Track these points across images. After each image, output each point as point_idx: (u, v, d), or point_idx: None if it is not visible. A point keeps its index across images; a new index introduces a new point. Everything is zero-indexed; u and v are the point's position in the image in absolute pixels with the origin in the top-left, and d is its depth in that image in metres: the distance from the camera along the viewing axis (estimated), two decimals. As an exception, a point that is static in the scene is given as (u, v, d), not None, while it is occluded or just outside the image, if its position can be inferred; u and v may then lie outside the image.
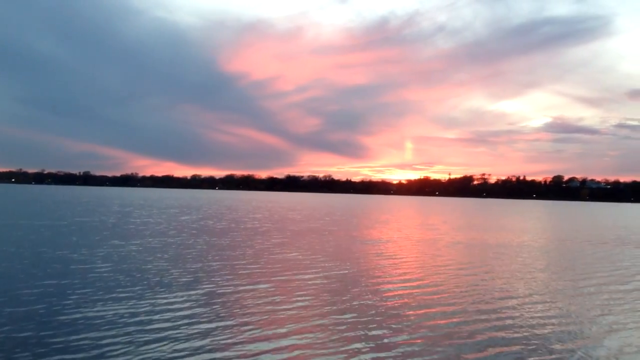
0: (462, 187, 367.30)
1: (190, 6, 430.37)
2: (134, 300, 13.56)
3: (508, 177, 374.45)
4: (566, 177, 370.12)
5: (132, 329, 11.02)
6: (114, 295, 14.20)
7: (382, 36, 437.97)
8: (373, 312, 13.23)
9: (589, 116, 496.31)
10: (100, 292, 14.47)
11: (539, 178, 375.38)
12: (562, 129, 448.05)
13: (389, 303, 14.29)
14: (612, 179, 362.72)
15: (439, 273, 20.11)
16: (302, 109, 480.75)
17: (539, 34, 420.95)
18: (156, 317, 12.01)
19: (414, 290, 16.37)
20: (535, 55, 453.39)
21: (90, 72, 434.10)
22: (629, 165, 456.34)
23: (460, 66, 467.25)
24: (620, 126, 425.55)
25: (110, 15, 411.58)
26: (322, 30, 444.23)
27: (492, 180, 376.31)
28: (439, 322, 12.55)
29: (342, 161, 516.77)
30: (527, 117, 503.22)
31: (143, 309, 12.66)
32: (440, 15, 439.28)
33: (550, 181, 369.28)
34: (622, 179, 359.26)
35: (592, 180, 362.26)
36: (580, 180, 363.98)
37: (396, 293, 15.96)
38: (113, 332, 10.74)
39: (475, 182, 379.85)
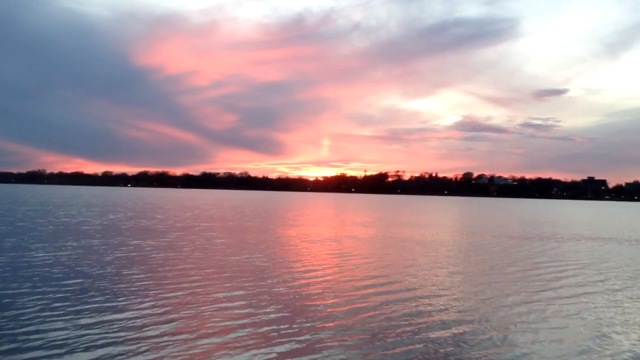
0: (377, 184, 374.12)
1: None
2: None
3: (421, 174, 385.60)
4: (475, 174, 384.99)
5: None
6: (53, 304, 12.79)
7: (298, 33, 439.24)
8: (279, 306, 12.71)
9: (496, 115, 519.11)
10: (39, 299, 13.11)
11: (450, 175, 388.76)
12: (472, 128, 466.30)
13: (298, 301, 13.68)
14: (518, 175, 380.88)
15: (352, 268, 19.78)
16: (218, 105, 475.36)
17: (450, 35, 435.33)
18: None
19: (322, 286, 15.97)
20: (447, 56, 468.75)
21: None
22: (533, 163, 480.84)
23: (375, 65, 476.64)
24: (526, 125, 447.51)
25: (14, 5, 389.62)
26: (238, 25, 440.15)
27: (406, 177, 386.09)
28: (350, 318, 12.36)
29: (259, 158, 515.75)
30: (438, 115, 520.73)
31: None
32: (356, 14, 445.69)
33: (461, 178, 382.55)
34: (527, 176, 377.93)
35: (499, 177, 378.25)
36: (489, 177, 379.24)
37: (308, 290, 15.77)
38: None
39: (390, 179, 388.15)
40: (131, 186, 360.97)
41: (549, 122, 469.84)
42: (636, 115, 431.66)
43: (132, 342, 10.14)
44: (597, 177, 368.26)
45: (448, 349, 10.35)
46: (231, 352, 9.76)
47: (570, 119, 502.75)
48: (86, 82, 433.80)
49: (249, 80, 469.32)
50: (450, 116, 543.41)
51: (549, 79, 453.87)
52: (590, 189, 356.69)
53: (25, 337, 10.28)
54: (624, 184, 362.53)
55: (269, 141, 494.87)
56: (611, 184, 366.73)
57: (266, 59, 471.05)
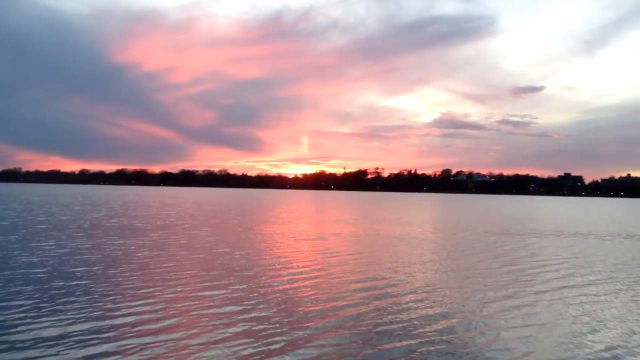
0: (357, 181, 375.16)
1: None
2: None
3: (400, 171, 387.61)
4: (454, 171, 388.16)
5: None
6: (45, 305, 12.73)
7: (276, 30, 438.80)
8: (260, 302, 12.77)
9: (475, 112, 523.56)
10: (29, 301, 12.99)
11: (429, 172, 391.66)
12: (450, 125, 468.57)
13: (287, 298, 13.79)
14: (496, 172, 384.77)
15: (339, 265, 19.85)
16: (196, 102, 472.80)
17: (428, 32, 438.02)
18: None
19: (303, 285, 15.98)
20: (425, 53, 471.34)
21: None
22: (511, 159, 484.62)
23: (354, 62, 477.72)
24: (504, 122, 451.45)
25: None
26: (216, 22, 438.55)
27: (385, 174, 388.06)
28: (333, 313, 12.44)
29: (238, 155, 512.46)
30: (417, 112, 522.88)
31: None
32: (334, 11, 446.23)
33: (440, 175, 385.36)
34: (505, 172, 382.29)
35: (477, 173, 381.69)
36: (467, 173, 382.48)
37: (296, 287, 15.77)
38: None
39: (369, 176, 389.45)
40: (109, 184, 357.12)
41: (526, 119, 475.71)
42: (612, 112, 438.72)
43: (118, 342, 10.16)
44: (573, 174, 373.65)
45: (434, 346, 10.55)
46: (219, 350, 9.85)
47: (547, 116, 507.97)
48: (63, 79, 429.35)
49: (227, 77, 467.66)
50: (429, 113, 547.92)
51: (526, 76, 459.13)
52: (567, 185, 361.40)
53: (9, 337, 10.33)
54: (599, 180, 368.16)
55: (248, 138, 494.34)
56: (587, 180, 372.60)
57: (245, 56, 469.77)
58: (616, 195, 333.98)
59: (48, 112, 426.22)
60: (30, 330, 10.76)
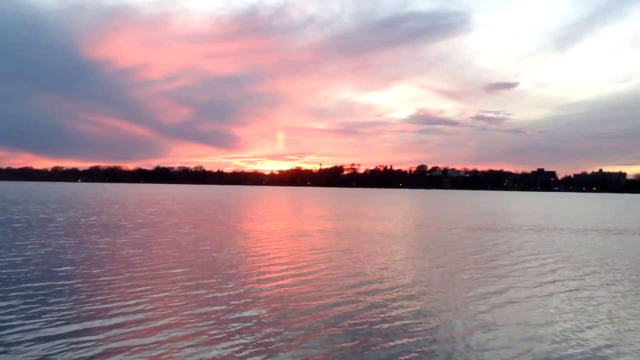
0: (333, 177, 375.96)
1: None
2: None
3: (376, 167, 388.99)
4: (429, 167, 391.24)
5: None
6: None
7: (252, 26, 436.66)
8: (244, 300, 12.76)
9: (449, 108, 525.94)
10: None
11: (405, 168, 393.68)
12: (426, 121, 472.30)
13: (280, 297, 13.79)
14: (470, 168, 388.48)
15: (316, 262, 19.90)
16: (171, 99, 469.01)
17: (404, 29, 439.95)
18: None
19: (294, 282, 15.98)
20: (400, 49, 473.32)
21: None
22: (485, 155, 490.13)
23: (330, 58, 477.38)
24: (478, 118, 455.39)
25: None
26: (191, 17, 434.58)
27: (361, 170, 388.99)
28: (323, 311, 12.41)
29: (214, 152, 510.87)
30: (393, 108, 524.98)
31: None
32: (310, 7, 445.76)
33: (415, 170, 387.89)
34: (479, 168, 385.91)
35: (453, 169, 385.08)
36: (442, 169, 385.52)
37: (284, 282, 15.68)
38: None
39: (345, 172, 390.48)
40: (82, 181, 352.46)
41: (500, 115, 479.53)
42: (584, 108, 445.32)
43: (104, 344, 10.09)
44: (546, 169, 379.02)
45: (421, 344, 10.70)
46: (205, 351, 9.83)
47: (521, 112, 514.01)
48: (35, 75, 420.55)
49: (202, 74, 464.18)
50: (405, 109, 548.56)
51: (500, 72, 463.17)
52: (540, 181, 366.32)
53: None
54: (572, 175, 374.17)
55: (223, 135, 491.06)
56: (560, 175, 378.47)
57: (220, 52, 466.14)
58: (588, 190, 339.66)
59: (20, 108, 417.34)
60: (14, 332, 10.66)
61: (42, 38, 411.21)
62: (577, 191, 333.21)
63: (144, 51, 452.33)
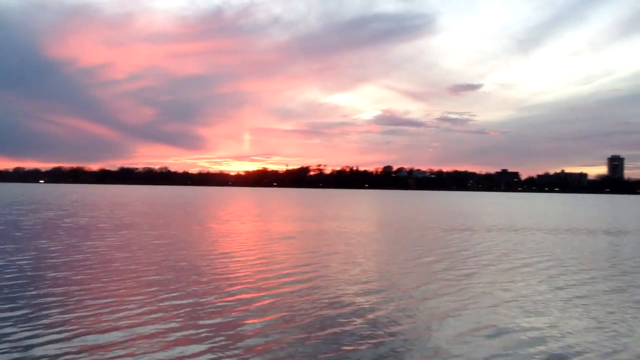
0: (299, 178, 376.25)
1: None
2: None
3: (342, 168, 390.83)
4: (395, 167, 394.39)
5: None
6: None
7: (217, 26, 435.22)
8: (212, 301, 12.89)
9: (414, 109, 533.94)
10: None
11: (371, 168, 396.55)
12: (391, 122, 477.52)
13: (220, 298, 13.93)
14: (436, 168, 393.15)
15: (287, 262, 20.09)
16: (135, 99, 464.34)
17: (369, 30, 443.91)
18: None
19: (297, 281, 16.12)
20: (366, 50, 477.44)
21: None
22: (450, 156, 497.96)
23: (296, 59, 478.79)
24: (443, 119, 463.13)
25: None
26: (155, 17, 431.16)
27: (328, 171, 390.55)
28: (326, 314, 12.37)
29: (179, 153, 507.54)
30: (359, 109, 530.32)
31: None
32: (276, 7, 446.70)
33: (381, 171, 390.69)
34: (444, 169, 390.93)
35: (418, 170, 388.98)
36: (408, 170, 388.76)
37: (236, 287, 15.76)
38: None
39: (312, 173, 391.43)
40: (45, 182, 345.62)
41: (465, 117, 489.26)
42: (546, 109, 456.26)
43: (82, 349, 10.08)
44: (510, 170, 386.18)
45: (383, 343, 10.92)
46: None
47: (485, 113, 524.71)
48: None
49: (167, 74, 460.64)
50: (370, 110, 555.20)
51: (465, 74, 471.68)
52: (504, 181, 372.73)
53: None
54: (535, 176, 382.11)
55: (188, 135, 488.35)
56: (523, 176, 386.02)
57: (184, 52, 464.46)
58: (551, 190, 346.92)
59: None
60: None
61: (2, 37, 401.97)
62: (539, 191, 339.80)
63: (106, 51, 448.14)
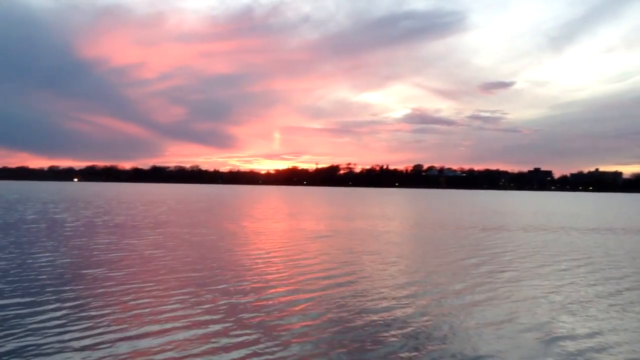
0: (329, 177, 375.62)
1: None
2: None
3: (372, 167, 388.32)
4: (425, 166, 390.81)
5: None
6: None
7: (247, 25, 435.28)
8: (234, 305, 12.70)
9: (445, 108, 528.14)
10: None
11: (401, 167, 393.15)
12: (421, 120, 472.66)
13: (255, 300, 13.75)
14: (467, 167, 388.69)
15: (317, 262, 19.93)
16: (166, 98, 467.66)
17: (399, 28, 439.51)
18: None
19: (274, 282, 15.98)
20: (396, 48, 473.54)
21: None
22: (481, 154, 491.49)
23: (325, 57, 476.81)
24: (474, 117, 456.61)
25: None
26: (185, 17, 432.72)
27: (357, 169, 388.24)
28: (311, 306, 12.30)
29: (210, 151, 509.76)
30: (389, 108, 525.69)
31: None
32: (305, 6, 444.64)
33: (411, 170, 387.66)
34: (475, 168, 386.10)
35: (449, 168, 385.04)
36: (439, 168, 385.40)
37: (265, 283, 15.51)
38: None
39: (341, 172, 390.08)
40: (78, 181, 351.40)
41: (496, 115, 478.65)
42: (580, 107, 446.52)
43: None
44: (542, 168, 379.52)
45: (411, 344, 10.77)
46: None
47: (517, 111, 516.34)
48: (29, 74, 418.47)
49: (197, 73, 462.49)
50: (400, 109, 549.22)
51: (496, 71, 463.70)
52: (536, 180, 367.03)
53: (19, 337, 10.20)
54: (568, 175, 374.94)
55: (219, 134, 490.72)
56: (556, 174, 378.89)
57: (215, 51, 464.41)
58: (585, 189, 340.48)
59: (15, 108, 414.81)
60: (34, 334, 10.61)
61: (36, 38, 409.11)
62: (573, 190, 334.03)
63: (138, 50, 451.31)
